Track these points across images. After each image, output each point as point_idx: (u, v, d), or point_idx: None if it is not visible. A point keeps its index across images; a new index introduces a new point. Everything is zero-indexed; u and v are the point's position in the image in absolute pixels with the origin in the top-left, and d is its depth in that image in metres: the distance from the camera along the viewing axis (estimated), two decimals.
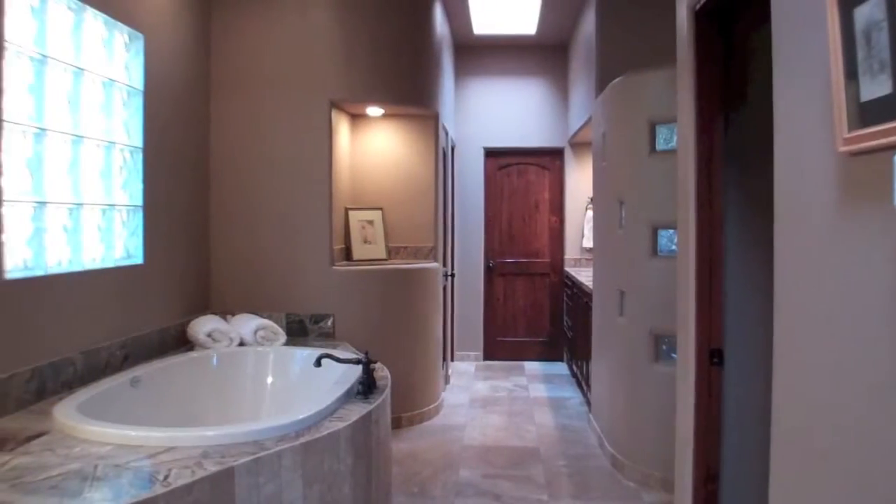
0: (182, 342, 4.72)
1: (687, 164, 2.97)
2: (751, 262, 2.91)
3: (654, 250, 4.60)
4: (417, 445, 5.34)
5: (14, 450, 2.67)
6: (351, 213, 6.13)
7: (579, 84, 7.33)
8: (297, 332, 5.25)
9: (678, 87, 3.10)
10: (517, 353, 8.75)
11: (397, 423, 5.58)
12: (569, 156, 8.58)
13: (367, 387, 3.53)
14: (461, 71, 8.61)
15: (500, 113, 8.64)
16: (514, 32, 8.01)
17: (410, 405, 5.77)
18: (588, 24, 6.58)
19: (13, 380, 3.16)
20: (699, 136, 2.90)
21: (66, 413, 3.00)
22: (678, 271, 3.13)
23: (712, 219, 2.90)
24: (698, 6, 2.82)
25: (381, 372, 3.94)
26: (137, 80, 4.30)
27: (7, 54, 3.16)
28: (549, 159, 8.71)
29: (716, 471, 2.95)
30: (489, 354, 8.78)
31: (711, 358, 2.89)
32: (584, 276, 7.05)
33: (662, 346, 4.61)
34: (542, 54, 8.61)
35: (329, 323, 5.26)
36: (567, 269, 8.37)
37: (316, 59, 5.32)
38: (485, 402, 6.72)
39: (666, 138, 4.61)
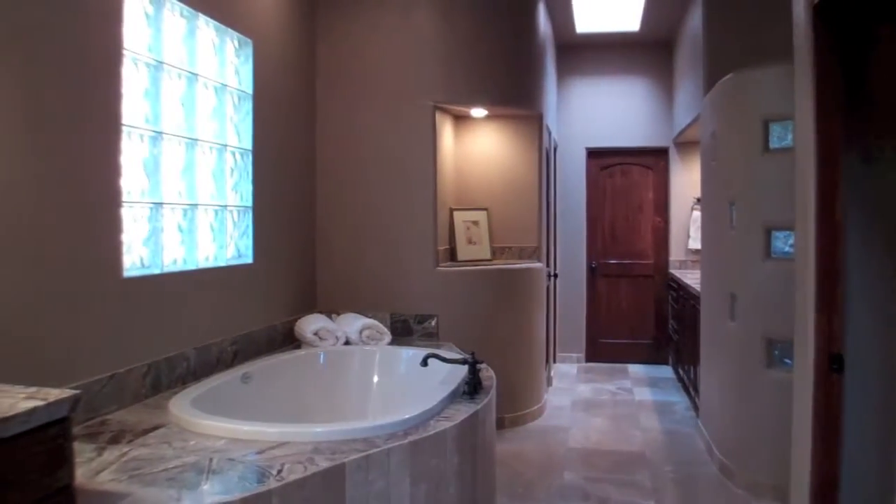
0: (289, 340, 4.82)
1: (806, 166, 2.86)
2: (872, 264, 2.79)
3: (768, 252, 4.46)
4: (521, 447, 5.32)
5: (132, 442, 2.77)
6: (455, 213, 6.14)
7: (685, 81, 7.17)
8: (402, 332, 5.28)
9: (796, 86, 2.99)
10: (620, 356, 8.62)
11: (500, 424, 5.55)
12: (673, 155, 8.40)
13: (472, 387, 3.53)
14: (563, 70, 8.53)
15: (603, 112, 8.53)
16: (617, 30, 7.89)
17: (514, 406, 5.74)
18: (695, 19, 6.43)
19: (130, 374, 3.27)
20: (819, 136, 2.78)
21: (182, 407, 3.10)
22: (797, 275, 3.02)
23: (833, 221, 2.78)
24: (817, 0, 2.72)
25: (487, 372, 3.93)
26: (247, 85, 4.41)
27: (125, 61, 3.28)
28: (653, 159, 8.55)
29: (835, 480, 2.84)
30: (592, 356, 8.67)
31: (831, 364, 2.77)
32: (691, 278, 6.89)
33: (775, 351, 4.46)
34: (645, 51, 8.46)
35: (433, 323, 5.28)
36: (672, 270, 8.20)
37: (419, 62, 5.35)
38: (588, 404, 6.64)
39: (780, 136, 4.45)
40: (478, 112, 6.10)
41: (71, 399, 2.02)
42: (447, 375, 3.70)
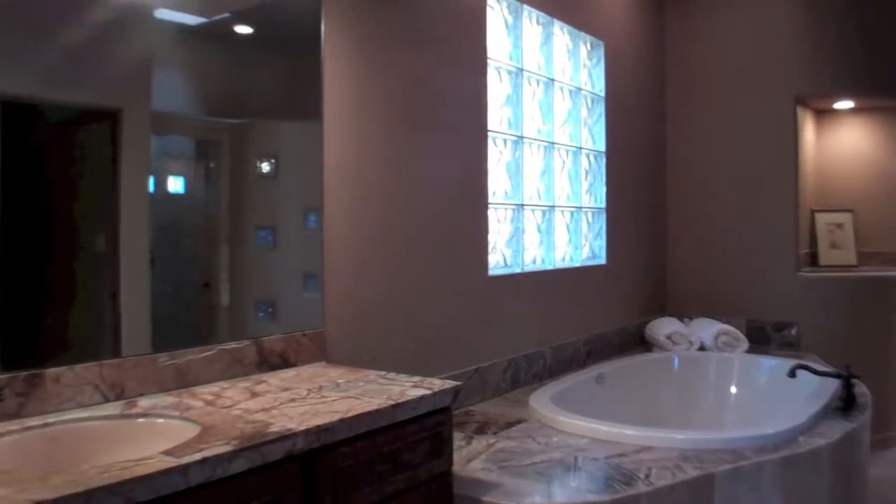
0: (639, 342, 4.78)
1: None
2: None
3: None
4: (890, 472, 4.83)
5: (497, 433, 2.88)
6: (817, 215, 5.73)
7: None
8: (758, 340, 4.99)
9: None
10: None
11: None
12: None
13: (847, 403, 3.26)
14: None
15: None
16: None
17: (882, 426, 5.20)
18: None
19: (493, 368, 3.42)
20: None
21: (542, 403, 3.18)
22: None
23: None
24: None
25: (860, 388, 3.61)
26: (599, 87, 4.44)
27: (489, 70, 3.43)
28: None
29: None
30: None
31: None
32: None
33: None
34: None
35: (793, 332, 4.95)
36: None
37: (776, 54, 5.03)
38: None
39: None
40: (843, 105, 5.64)
41: (453, 389, 2.13)
42: (815, 389, 3.45)
